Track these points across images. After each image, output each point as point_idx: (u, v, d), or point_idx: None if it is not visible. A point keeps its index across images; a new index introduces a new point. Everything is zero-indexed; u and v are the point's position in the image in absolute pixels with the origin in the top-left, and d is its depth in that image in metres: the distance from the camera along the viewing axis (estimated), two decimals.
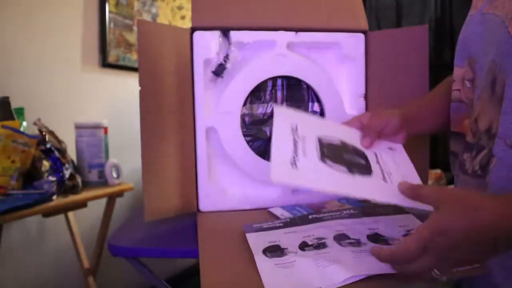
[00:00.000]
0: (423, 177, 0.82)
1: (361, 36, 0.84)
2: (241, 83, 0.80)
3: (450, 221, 0.44)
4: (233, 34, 0.79)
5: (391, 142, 0.68)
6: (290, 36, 0.81)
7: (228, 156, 0.80)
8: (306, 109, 0.85)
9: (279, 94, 0.84)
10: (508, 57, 0.48)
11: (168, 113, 0.75)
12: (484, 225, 0.43)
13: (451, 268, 0.45)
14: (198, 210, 0.80)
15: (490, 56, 0.52)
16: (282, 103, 0.84)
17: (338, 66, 0.85)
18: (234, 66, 0.80)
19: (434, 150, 2.76)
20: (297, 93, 0.84)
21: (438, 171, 2.67)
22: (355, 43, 0.83)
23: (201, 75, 0.78)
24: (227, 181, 0.82)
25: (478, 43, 0.55)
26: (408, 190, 0.51)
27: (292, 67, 0.82)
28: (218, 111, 0.79)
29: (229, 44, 0.79)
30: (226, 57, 0.79)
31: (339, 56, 0.84)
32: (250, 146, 0.82)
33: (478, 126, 0.54)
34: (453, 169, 0.66)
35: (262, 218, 0.76)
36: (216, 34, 0.78)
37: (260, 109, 0.83)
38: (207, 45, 0.78)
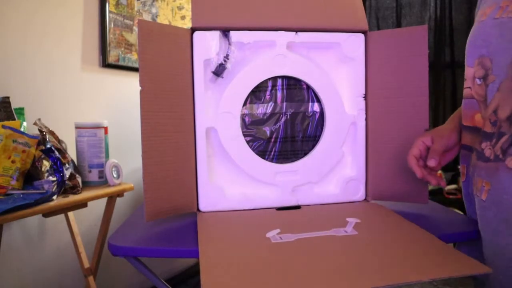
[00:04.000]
0: None
1: (361, 36, 0.84)
2: (241, 83, 0.80)
3: None
4: (233, 34, 0.79)
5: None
6: (290, 36, 0.81)
7: (228, 156, 0.80)
8: (306, 109, 0.85)
9: (279, 94, 0.84)
10: None
11: (168, 113, 0.75)
12: None
13: None
14: (198, 210, 0.80)
15: (509, 52, 0.60)
16: (282, 103, 0.84)
17: (338, 66, 0.85)
18: (234, 66, 0.80)
19: None
20: (297, 93, 0.84)
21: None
22: (355, 43, 0.83)
23: (201, 75, 0.78)
24: (227, 181, 0.82)
25: (494, 44, 0.62)
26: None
27: (292, 67, 0.82)
28: (218, 111, 0.79)
29: (229, 44, 0.79)
30: (226, 57, 0.79)
31: (339, 56, 0.85)
32: (250, 146, 0.82)
33: (499, 115, 0.61)
34: (461, 161, 0.75)
35: (262, 218, 0.77)
36: (216, 34, 0.78)
37: (260, 109, 0.83)
38: (207, 45, 0.78)
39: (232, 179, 0.82)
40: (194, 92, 0.79)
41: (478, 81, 0.66)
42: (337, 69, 0.85)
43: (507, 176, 0.59)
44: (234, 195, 0.81)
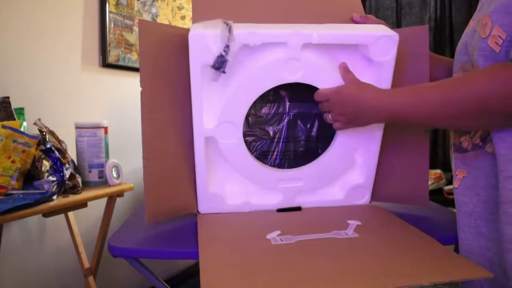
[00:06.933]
0: (424, 177, 0.82)
1: (394, 37, 0.71)
2: (245, 90, 0.72)
3: (344, 87, 0.71)
4: (238, 34, 0.68)
5: None
6: (305, 36, 0.70)
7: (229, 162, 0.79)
8: (310, 110, 0.82)
9: (283, 93, 0.81)
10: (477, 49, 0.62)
11: (169, 114, 0.74)
12: (364, 97, 0.68)
13: (339, 119, 0.71)
14: (198, 212, 0.80)
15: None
16: (286, 103, 0.81)
17: (361, 71, 0.74)
18: (239, 69, 0.71)
19: (434, 150, 2.76)
20: (302, 92, 0.77)
21: (438, 171, 2.67)
22: (385, 45, 0.72)
23: (198, 81, 0.70)
24: (227, 185, 0.80)
25: (472, 52, 0.65)
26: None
27: (304, 73, 0.73)
28: (219, 120, 0.73)
29: (229, 33, 0.67)
30: (227, 48, 0.67)
31: (364, 60, 0.75)
32: (253, 146, 0.80)
33: None
34: (452, 160, 0.77)
35: (263, 219, 0.76)
36: (215, 34, 0.67)
37: (264, 109, 0.81)
38: (205, 47, 0.68)
39: (232, 184, 0.80)
40: (192, 100, 0.72)
41: None
42: (359, 75, 0.73)
43: (486, 161, 0.63)
44: (234, 201, 0.80)
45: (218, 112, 0.72)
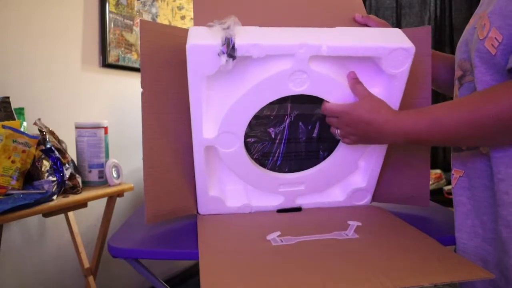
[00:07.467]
0: (425, 177, 0.82)
1: (409, 50, 0.67)
2: (246, 103, 0.69)
3: (355, 108, 0.66)
4: (239, 46, 0.62)
5: None
6: (312, 49, 0.65)
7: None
8: (311, 111, 0.81)
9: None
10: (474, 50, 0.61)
11: (170, 115, 0.74)
12: (378, 121, 0.63)
13: (348, 137, 0.69)
14: (198, 213, 0.80)
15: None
16: (287, 104, 0.80)
17: (372, 83, 0.71)
18: (242, 78, 0.67)
19: (434, 151, 2.76)
20: (307, 94, 0.71)
21: (438, 171, 2.67)
22: (400, 57, 0.67)
23: (198, 93, 0.66)
24: (227, 187, 0.80)
25: (471, 51, 0.65)
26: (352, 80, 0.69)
27: (310, 85, 0.68)
28: (219, 130, 0.70)
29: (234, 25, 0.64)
30: (232, 35, 0.62)
31: (376, 71, 0.70)
32: (254, 148, 0.80)
33: None
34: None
35: (263, 220, 0.76)
36: (215, 48, 0.63)
37: (265, 111, 0.80)
38: (204, 60, 0.63)
39: (232, 186, 0.80)
40: (190, 110, 0.69)
41: (456, 82, 0.69)
42: (369, 85, 0.70)
43: (480, 161, 0.64)
44: (234, 203, 0.79)
45: (218, 122, 0.69)
